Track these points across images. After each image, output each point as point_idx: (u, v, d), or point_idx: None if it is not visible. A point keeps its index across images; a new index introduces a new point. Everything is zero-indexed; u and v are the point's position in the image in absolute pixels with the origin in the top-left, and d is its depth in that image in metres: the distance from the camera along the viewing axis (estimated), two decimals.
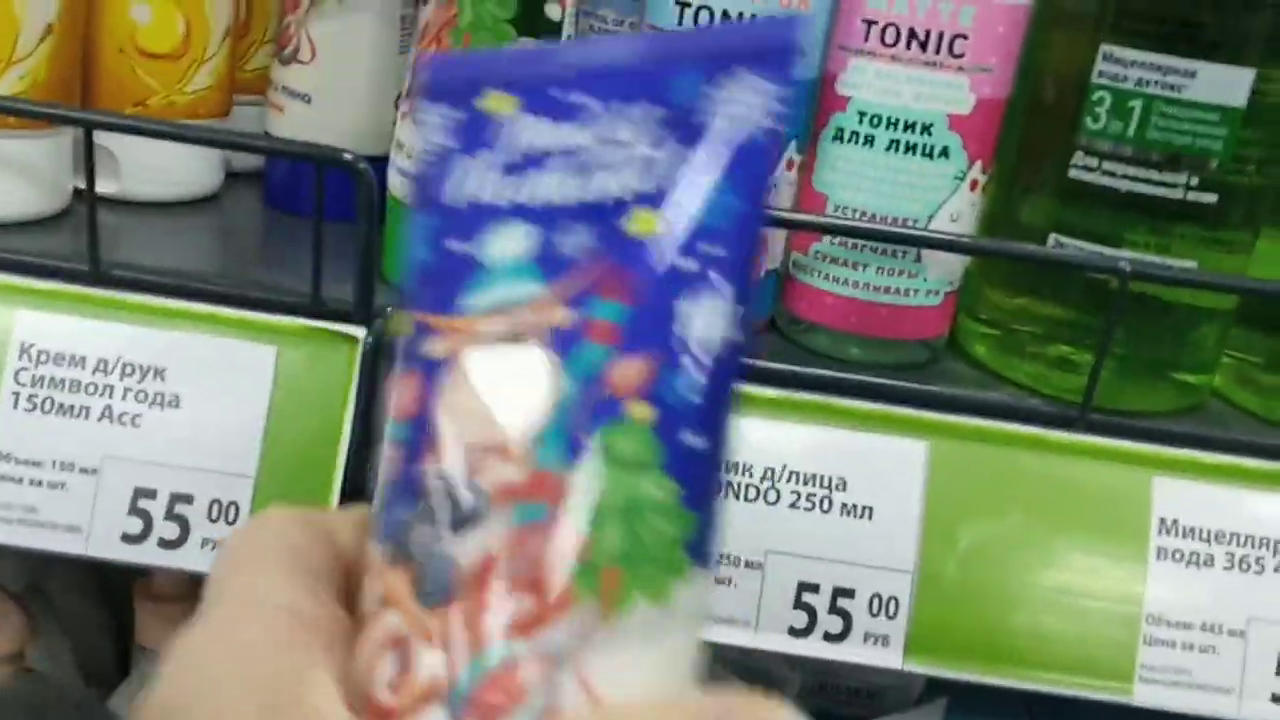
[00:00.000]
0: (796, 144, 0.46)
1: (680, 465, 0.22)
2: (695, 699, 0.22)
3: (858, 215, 0.46)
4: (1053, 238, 0.46)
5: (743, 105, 0.23)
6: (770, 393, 0.43)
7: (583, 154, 0.24)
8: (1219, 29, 0.42)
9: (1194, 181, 0.43)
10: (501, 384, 0.23)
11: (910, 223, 0.45)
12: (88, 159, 0.43)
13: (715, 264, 0.23)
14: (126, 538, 0.42)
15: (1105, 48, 0.43)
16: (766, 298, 0.49)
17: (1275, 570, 0.43)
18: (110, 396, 0.42)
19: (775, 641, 0.42)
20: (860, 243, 0.46)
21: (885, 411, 0.43)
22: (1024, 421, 0.44)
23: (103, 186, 0.51)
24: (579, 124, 0.24)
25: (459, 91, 0.25)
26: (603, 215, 0.24)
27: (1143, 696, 0.42)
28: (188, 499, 0.42)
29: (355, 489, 0.42)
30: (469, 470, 0.23)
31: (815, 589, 0.42)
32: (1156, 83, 0.42)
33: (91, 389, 0.42)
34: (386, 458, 0.24)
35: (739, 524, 0.42)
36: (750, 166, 0.23)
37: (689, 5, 0.43)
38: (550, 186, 0.24)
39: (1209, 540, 0.43)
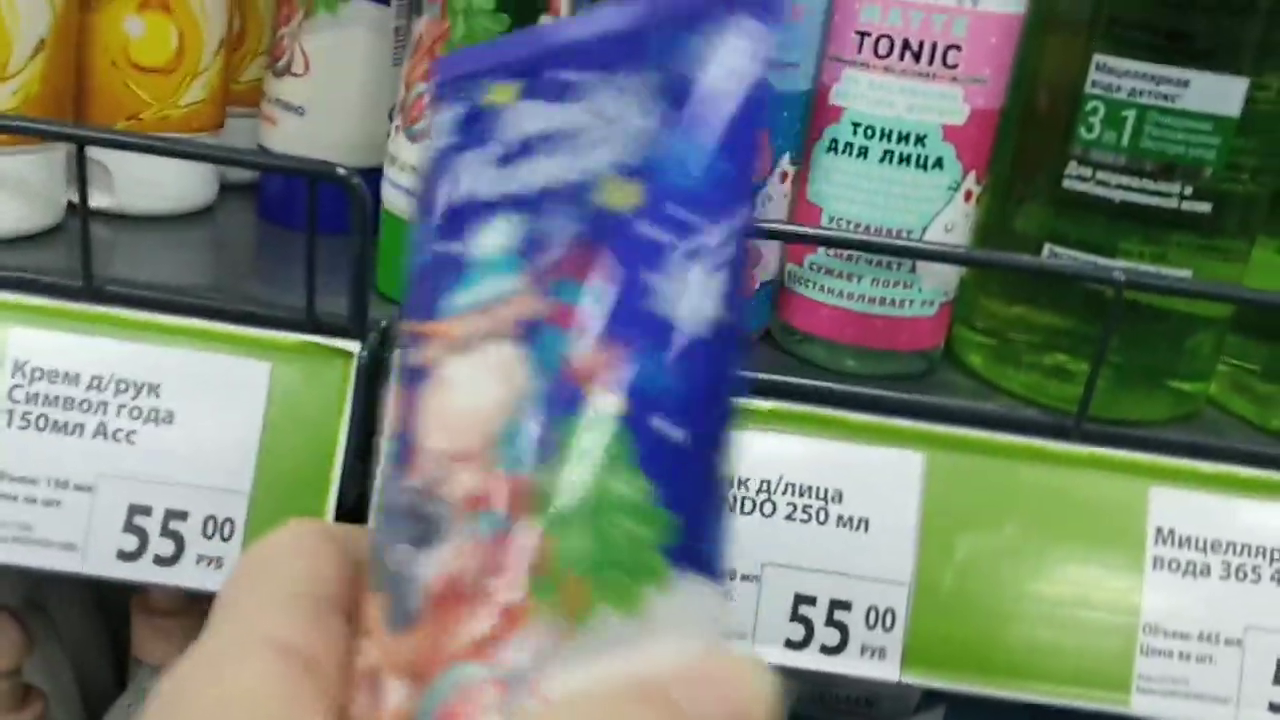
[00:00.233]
0: (790, 156, 0.46)
1: (654, 460, 0.19)
2: (654, 679, 0.20)
3: (852, 226, 0.46)
4: (1047, 247, 0.46)
5: (732, 57, 0.21)
6: (766, 404, 0.43)
7: (575, 132, 0.22)
8: (1211, 38, 0.42)
9: (1188, 191, 0.43)
10: (470, 387, 0.21)
11: (905, 234, 0.45)
12: (80, 175, 0.43)
13: (697, 235, 0.20)
14: (122, 555, 0.42)
15: (1098, 58, 0.43)
16: (762, 309, 0.49)
17: (1272, 579, 0.43)
18: (104, 413, 0.42)
19: (772, 654, 0.42)
20: (855, 254, 0.46)
21: (881, 423, 0.43)
22: (1020, 432, 0.44)
23: (96, 200, 0.51)
24: (573, 101, 0.22)
25: (463, 89, 0.24)
26: (583, 192, 0.21)
27: (1140, 707, 0.42)
28: (183, 516, 0.42)
29: (350, 505, 0.42)
30: (436, 482, 0.21)
31: (812, 601, 0.42)
32: (1150, 93, 0.42)
33: (86, 406, 0.42)
34: (380, 476, 0.23)
35: (735, 537, 0.42)
36: (739, 127, 0.20)
37: None
38: (539, 172, 0.22)
39: (1205, 550, 0.43)
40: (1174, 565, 0.43)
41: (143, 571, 0.42)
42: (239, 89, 0.59)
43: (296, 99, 0.54)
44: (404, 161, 0.46)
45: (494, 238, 0.22)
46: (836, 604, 0.42)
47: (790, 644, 0.42)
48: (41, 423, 0.42)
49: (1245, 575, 0.43)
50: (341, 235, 0.42)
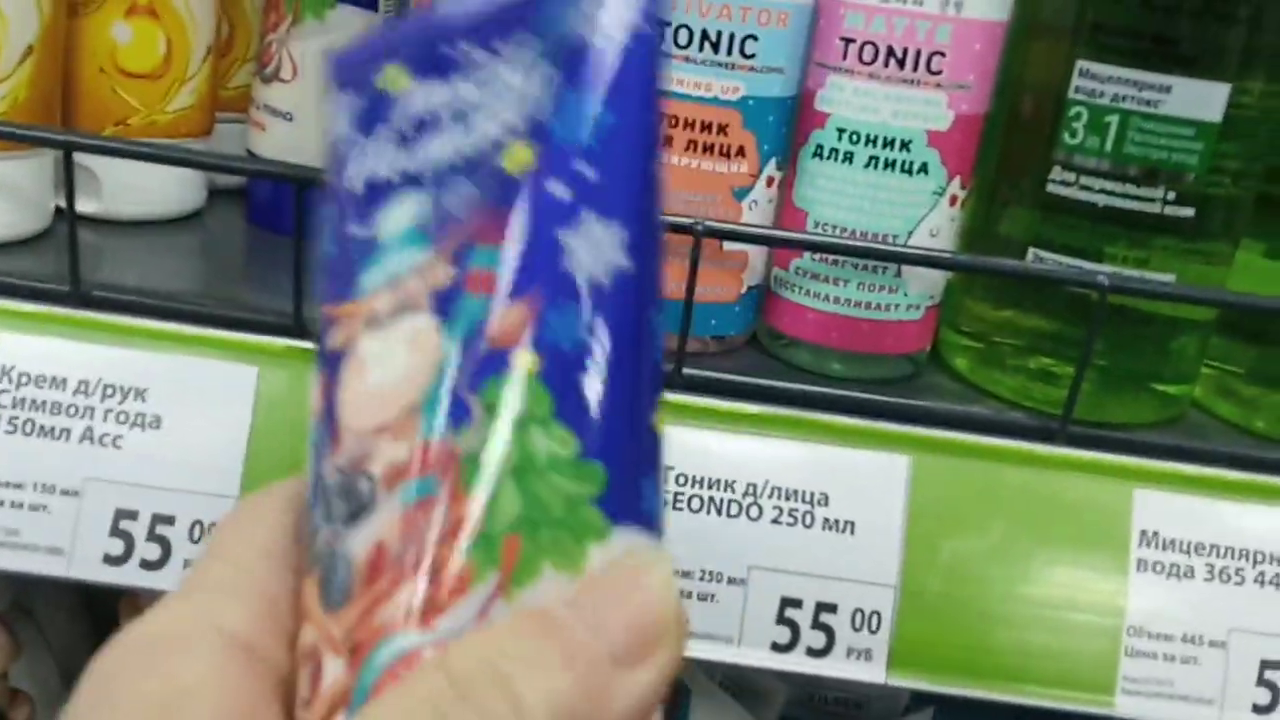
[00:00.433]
0: (776, 161, 0.46)
1: (577, 413, 0.20)
2: (535, 607, 0.19)
3: (838, 231, 0.46)
4: (1032, 252, 0.46)
5: (611, 13, 0.21)
6: (752, 408, 0.43)
7: (469, 106, 0.22)
8: (1193, 44, 0.42)
9: (1171, 195, 0.44)
10: (386, 361, 0.21)
11: (890, 238, 0.46)
12: (68, 181, 0.43)
13: (594, 188, 0.20)
14: (108, 559, 0.42)
15: (1081, 63, 0.43)
16: (748, 313, 0.49)
17: (1255, 581, 0.43)
18: (91, 418, 0.42)
19: (758, 657, 0.42)
20: (841, 259, 0.46)
21: (867, 426, 0.44)
22: (1005, 435, 0.44)
23: (84, 206, 0.51)
24: (464, 76, 0.22)
25: (358, 77, 0.24)
26: (483, 161, 0.21)
27: (1125, 708, 0.42)
28: (169, 520, 0.42)
29: None
30: (360, 458, 0.21)
31: (798, 604, 0.42)
32: (1132, 98, 0.43)
33: (72, 410, 0.42)
34: (307, 462, 0.23)
35: (721, 540, 0.42)
36: (625, 76, 0.21)
37: (668, 24, 0.44)
38: (439, 147, 0.22)
39: (1189, 552, 0.43)
40: (1158, 567, 0.43)
41: (129, 576, 0.42)
42: (227, 94, 0.59)
43: (285, 104, 0.55)
44: None
45: (399, 215, 0.22)
46: (822, 607, 0.42)
47: (776, 647, 0.42)
48: (28, 427, 0.42)
49: (1229, 577, 0.43)
50: None
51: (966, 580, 0.43)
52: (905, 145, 0.44)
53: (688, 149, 0.45)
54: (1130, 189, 0.44)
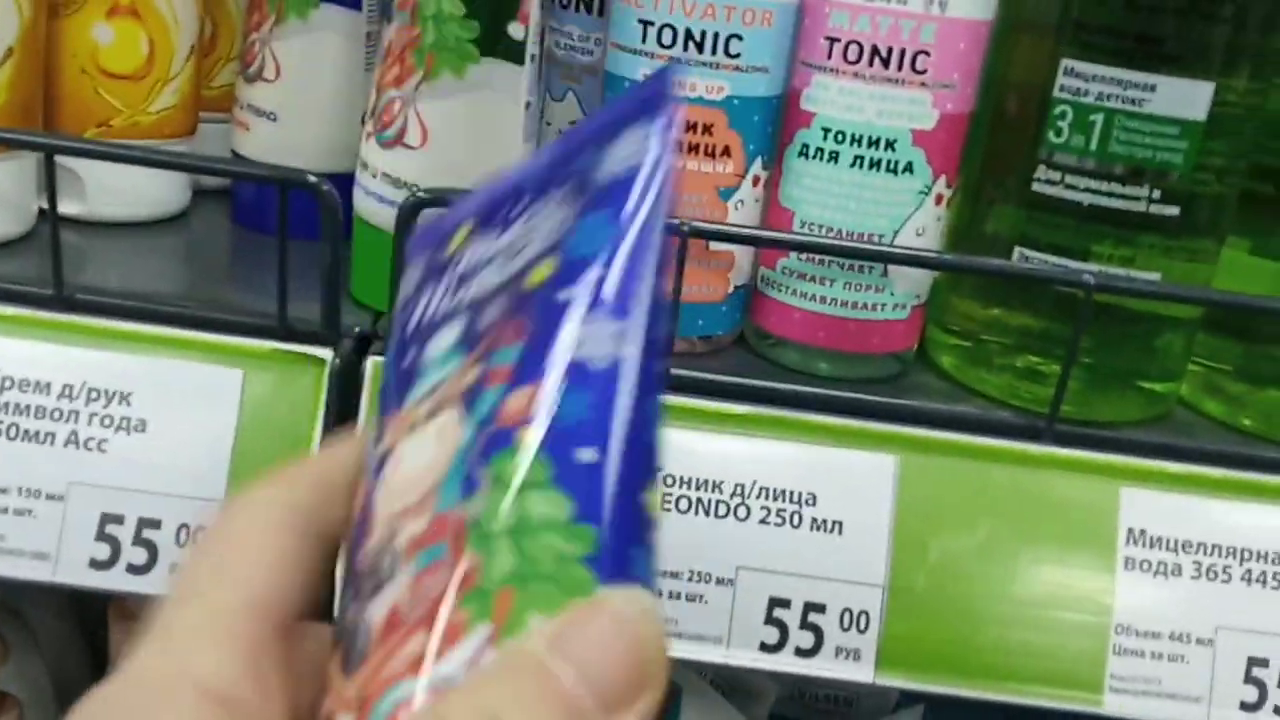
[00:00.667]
0: (762, 160, 0.46)
1: (572, 479, 0.21)
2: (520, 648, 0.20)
3: (824, 231, 0.46)
4: (1018, 250, 0.46)
5: (628, 150, 0.23)
6: (739, 408, 0.43)
7: (512, 246, 0.25)
8: (1178, 43, 0.42)
9: (1156, 194, 0.44)
10: (416, 454, 0.23)
11: (877, 238, 0.46)
12: (49, 184, 0.43)
13: (595, 285, 0.22)
14: (95, 564, 0.42)
15: (1066, 62, 0.43)
16: (735, 313, 0.49)
17: (1242, 579, 0.43)
18: (76, 422, 0.42)
19: (747, 658, 0.42)
20: (828, 258, 0.46)
21: (854, 426, 0.44)
22: (992, 434, 0.44)
23: (67, 207, 0.51)
24: (513, 225, 0.25)
25: (434, 242, 0.27)
26: (516, 281, 0.24)
27: (1113, 706, 0.42)
28: (155, 524, 0.42)
29: None
30: (388, 539, 0.22)
31: (786, 604, 0.42)
32: (1117, 97, 0.43)
33: (57, 414, 0.42)
34: (340, 561, 0.24)
35: (710, 541, 0.42)
36: (625, 190, 0.23)
37: (651, 24, 0.43)
38: (484, 282, 0.25)
39: (1177, 550, 0.43)
40: (1145, 565, 0.43)
41: (115, 580, 0.42)
42: (211, 94, 0.58)
43: (268, 104, 0.54)
44: (375, 167, 0.46)
45: (443, 340, 0.25)
46: (811, 606, 0.42)
47: (765, 647, 0.42)
48: (12, 432, 0.42)
49: (1216, 575, 0.43)
50: (314, 241, 0.42)
51: (955, 579, 0.43)
52: (890, 144, 0.44)
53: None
54: (1116, 187, 0.44)
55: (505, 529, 0.21)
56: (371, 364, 0.42)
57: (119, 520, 0.42)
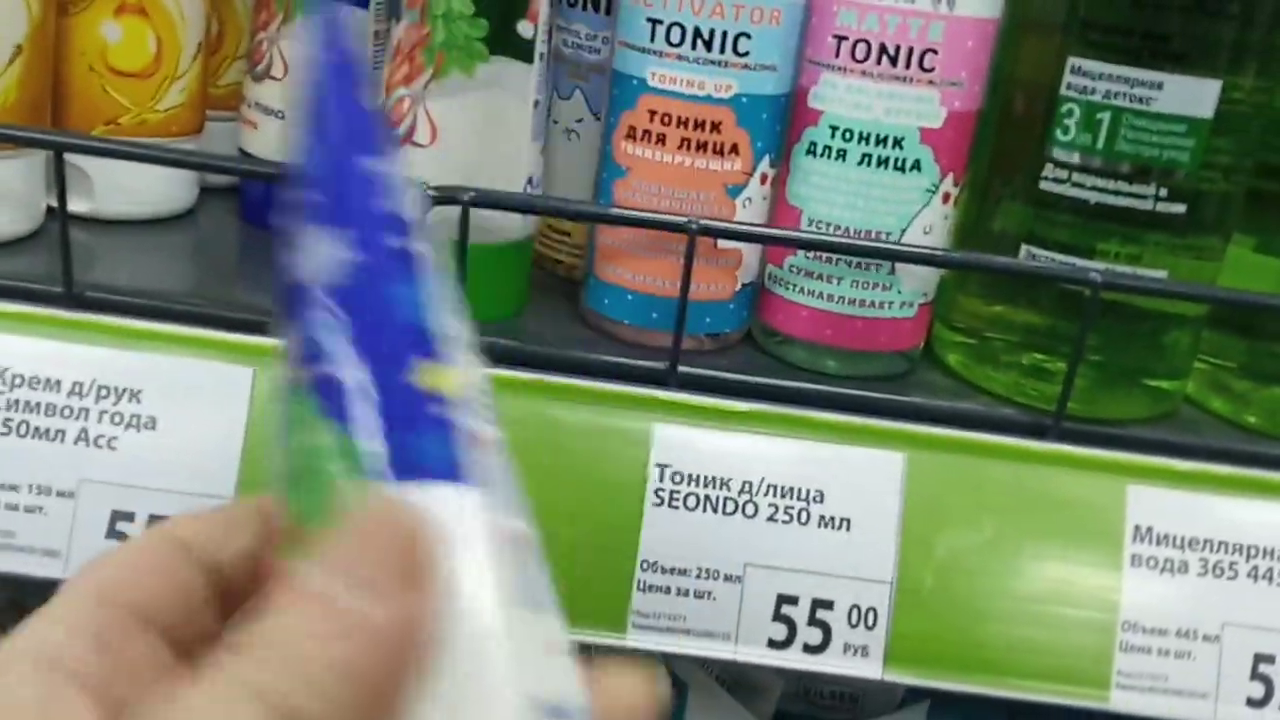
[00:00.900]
0: (770, 158, 0.46)
1: (337, 403, 0.21)
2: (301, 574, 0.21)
3: (832, 229, 0.46)
4: (1025, 248, 0.46)
5: (312, 47, 0.23)
6: (747, 406, 0.44)
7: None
8: (1185, 41, 0.42)
9: (1163, 192, 0.44)
10: None
11: (884, 235, 0.46)
12: (59, 182, 0.43)
13: (313, 208, 0.23)
14: None
15: (1073, 61, 0.43)
16: (743, 311, 0.49)
17: (1249, 576, 0.43)
18: (86, 419, 0.42)
19: (755, 654, 0.43)
20: (835, 256, 0.46)
21: (862, 423, 0.44)
22: (999, 431, 0.44)
23: (76, 205, 0.51)
24: None
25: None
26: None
27: (1119, 702, 0.43)
28: (165, 521, 0.42)
29: None
30: None
31: (794, 601, 0.43)
32: (1124, 95, 0.43)
33: (67, 412, 0.42)
34: None
35: (718, 538, 0.43)
36: (323, 103, 0.23)
37: (660, 22, 0.44)
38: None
39: (1183, 547, 0.43)
40: (1152, 562, 0.43)
41: None
42: (218, 92, 0.59)
43: (276, 102, 0.54)
44: None
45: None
46: (819, 603, 0.43)
47: (773, 643, 0.43)
48: (23, 429, 0.42)
49: (1223, 572, 0.43)
50: None
51: (962, 576, 0.43)
52: (898, 142, 0.44)
53: (681, 147, 0.45)
54: (1122, 185, 0.44)
55: (297, 469, 0.22)
56: None
57: (129, 518, 0.42)
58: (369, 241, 0.22)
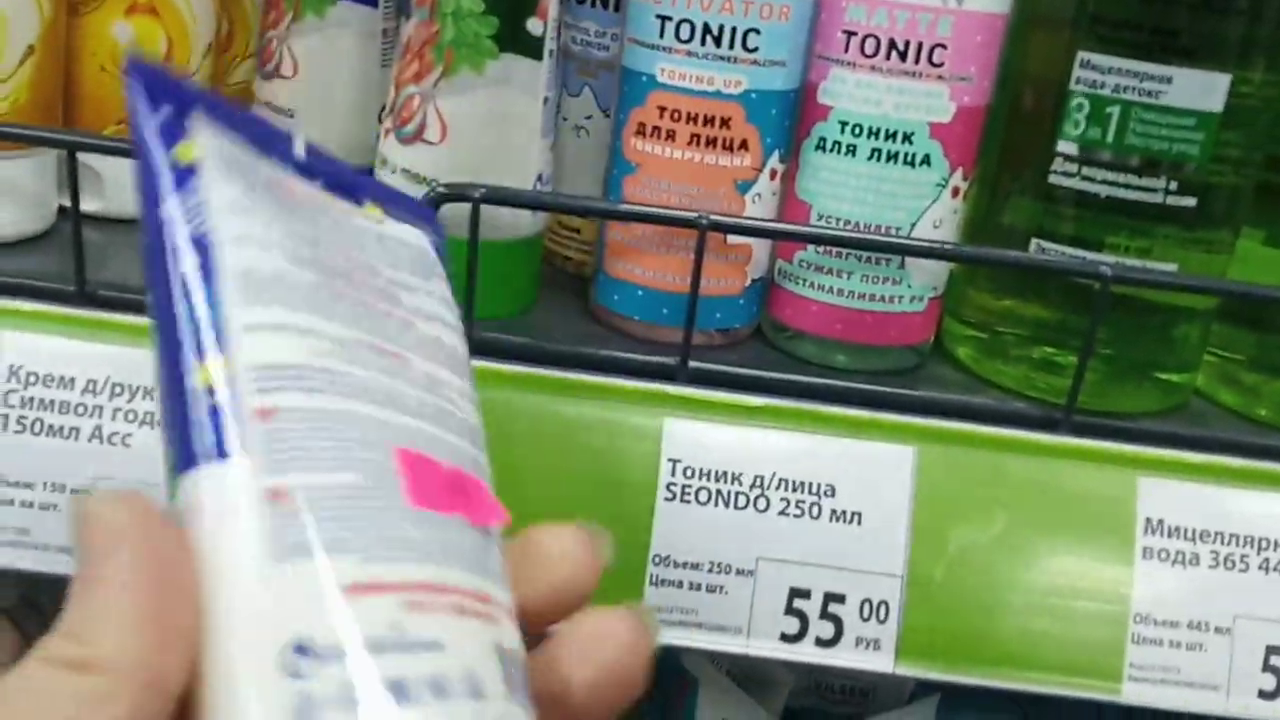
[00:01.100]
0: (780, 154, 0.46)
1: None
2: None
3: (841, 224, 0.46)
4: (1035, 242, 0.46)
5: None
6: (758, 400, 0.44)
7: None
8: (1194, 35, 0.42)
9: (1173, 185, 0.44)
10: None
11: (893, 230, 0.46)
12: (71, 181, 0.43)
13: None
14: None
15: (1082, 54, 0.43)
16: (753, 306, 0.49)
17: (1260, 568, 0.43)
18: (100, 417, 0.42)
19: (768, 648, 0.43)
20: (845, 251, 0.46)
21: (872, 418, 0.44)
22: (1009, 424, 0.44)
23: (88, 204, 0.51)
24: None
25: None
26: None
27: (1131, 695, 0.43)
28: None
29: None
30: None
31: (806, 595, 0.43)
32: (1133, 89, 0.43)
33: (81, 410, 0.43)
34: None
35: (729, 532, 0.43)
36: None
37: (669, 19, 0.44)
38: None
39: (1194, 539, 0.43)
40: (1163, 555, 0.43)
41: None
42: (228, 91, 0.59)
43: (285, 101, 0.55)
44: (394, 163, 0.47)
45: None
46: (831, 597, 0.43)
47: (785, 637, 0.43)
48: (37, 427, 0.42)
49: (1234, 564, 0.43)
50: None
51: (973, 569, 0.43)
52: (908, 137, 0.45)
53: (690, 143, 0.45)
54: (1132, 179, 0.44)
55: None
56: None
57: None
58: (157, 265, 0.24)
